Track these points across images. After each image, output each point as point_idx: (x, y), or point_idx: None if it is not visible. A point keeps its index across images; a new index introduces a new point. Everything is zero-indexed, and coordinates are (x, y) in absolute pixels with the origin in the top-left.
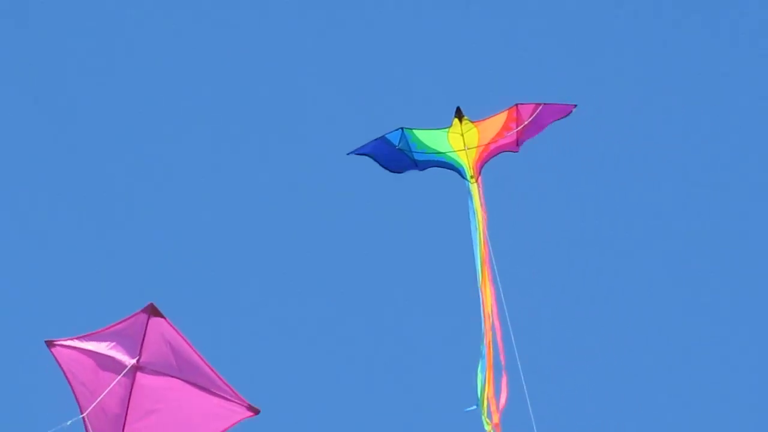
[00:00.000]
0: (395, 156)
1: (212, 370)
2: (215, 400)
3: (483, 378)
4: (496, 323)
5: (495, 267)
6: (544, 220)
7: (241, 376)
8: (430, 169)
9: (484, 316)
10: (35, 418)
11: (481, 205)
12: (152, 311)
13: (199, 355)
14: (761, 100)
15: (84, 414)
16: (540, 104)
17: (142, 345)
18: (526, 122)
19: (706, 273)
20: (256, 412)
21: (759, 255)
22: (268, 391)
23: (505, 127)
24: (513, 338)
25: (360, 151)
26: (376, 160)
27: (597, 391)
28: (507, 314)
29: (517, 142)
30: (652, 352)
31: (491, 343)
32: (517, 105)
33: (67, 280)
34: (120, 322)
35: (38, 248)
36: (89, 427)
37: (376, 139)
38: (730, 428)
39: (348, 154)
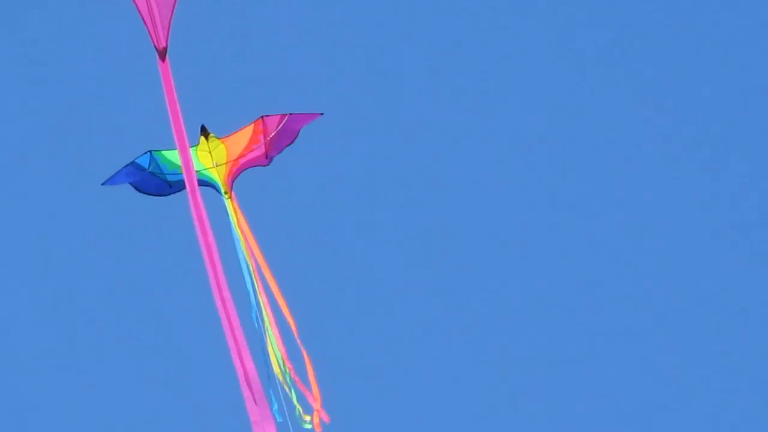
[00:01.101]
0: (149, 180)
1: None
2: None
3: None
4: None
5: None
6: (304, 228)
7: None
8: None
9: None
10: None
11: (239, 218)
12: None
13: None
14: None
15: None
16: (285, 115)
17: None
18: (272, 133)
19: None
20: None
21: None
22: None
23: (253, 140)
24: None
25: (114, 180)
26: (134, 187)
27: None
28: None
29: (266, 155)
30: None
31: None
32: (262, 117)
33: None
34: None
35: None
36: None
37: (126, 166)
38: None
39: (102, 184)
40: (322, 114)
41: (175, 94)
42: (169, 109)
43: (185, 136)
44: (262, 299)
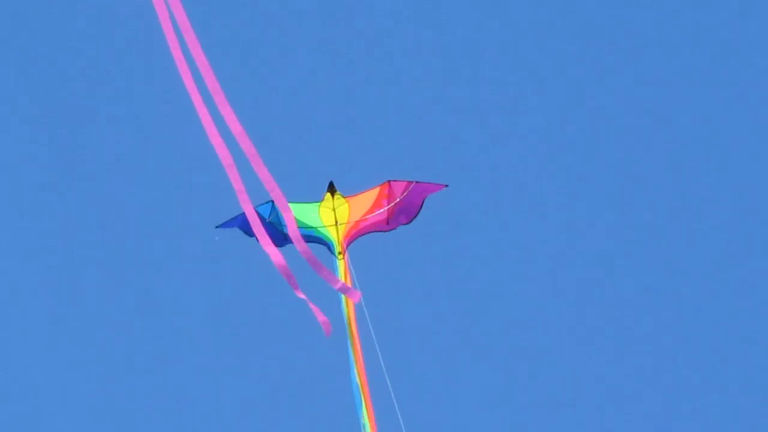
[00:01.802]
0: (265, 229)
1: None
2: None
3: None
4: (368, 404)
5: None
6: (414, 297)
7: None
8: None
9: (363, 396)
10: None
11: (347, 281)
12: None
13: None
14: None
15: None
16: (412, 182)
17: None
18: (397, 199)
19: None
20: None
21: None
22: None
23: (377, 204)
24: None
25: (229, 224)
26: (246, 233)
27: None
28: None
29: (387, 221)
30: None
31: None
32: (389, 182)
33: None
34: None
35: None
36: None
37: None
38: None
39: (217, 227)
40: (446, 186)
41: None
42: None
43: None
44: (358, 369)
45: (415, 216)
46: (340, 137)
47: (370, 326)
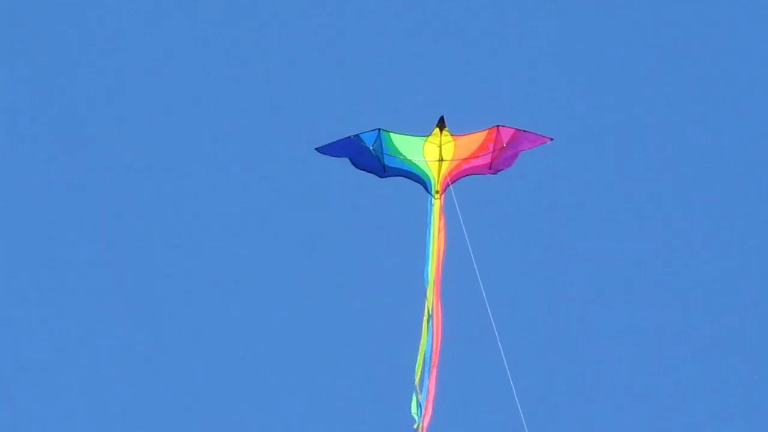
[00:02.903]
0: (365, 156)
1: None
2: None
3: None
4: (437, 344)
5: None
6: (505, 245)
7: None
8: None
9: (432, 335)
10: None
11: (440, 222)
12: None
13: None
14: None
15: None
16: (520, 130)
17: None
18: (504, 145)
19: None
20: None
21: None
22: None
23: (482, 147)
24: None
25: (331, 148)
26: (354, 164)
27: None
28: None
29: (490, 165)
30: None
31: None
32: (498, 126)
33: None
34: None
35: None
36: None
37: (349, 137)
38: None
39: (317, 149)
40: (552, 139)
41: None
42: None
43: None
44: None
45: (513, 162)
46: (457, 76)
47: (476, 269)
